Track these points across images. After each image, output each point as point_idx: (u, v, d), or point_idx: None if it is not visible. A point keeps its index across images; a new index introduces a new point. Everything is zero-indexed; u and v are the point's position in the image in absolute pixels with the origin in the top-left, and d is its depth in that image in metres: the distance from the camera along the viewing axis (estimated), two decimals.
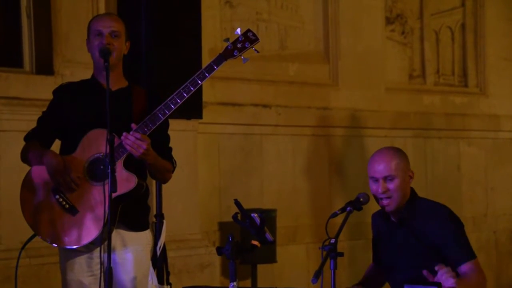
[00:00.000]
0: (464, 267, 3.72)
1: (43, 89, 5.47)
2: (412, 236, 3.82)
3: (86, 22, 3.96)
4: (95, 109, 3.76)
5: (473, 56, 8.84)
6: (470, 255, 3.76)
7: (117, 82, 3.86)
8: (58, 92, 3.95)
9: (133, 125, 3.69)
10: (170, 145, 3.97)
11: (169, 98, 3.71)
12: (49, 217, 3.74)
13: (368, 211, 4.02)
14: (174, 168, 3.94)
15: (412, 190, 3.89)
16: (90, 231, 3.69)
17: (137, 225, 3.88)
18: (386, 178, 3.80)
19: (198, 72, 3.75)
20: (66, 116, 3.84)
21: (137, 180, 3.69)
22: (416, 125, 8.22)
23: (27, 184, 3.81)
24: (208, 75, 3.74)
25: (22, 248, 3.85)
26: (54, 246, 3.81)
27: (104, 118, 3.53)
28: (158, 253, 4.81)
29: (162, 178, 3.97)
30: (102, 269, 3.62)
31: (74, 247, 3.74)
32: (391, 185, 3.80)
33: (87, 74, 4.00)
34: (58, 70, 5.82)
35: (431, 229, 3.78)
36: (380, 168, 3.80)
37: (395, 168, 3.80)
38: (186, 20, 5.15)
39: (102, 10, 5.85)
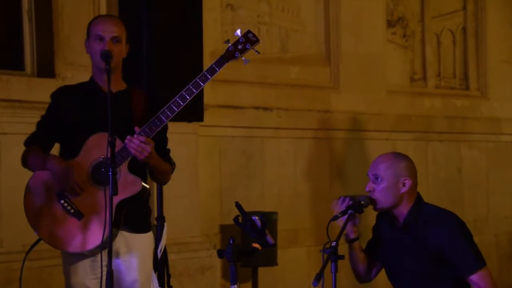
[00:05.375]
0: (475, 277, 3.72)
1: (44, 91, 5.44)
2: (415, 241, 3.82)
3: (87, 24, 3.96)
4: (95, 111, 3.76)
5: (474, 59, 8.83)
6: (479, 264, 3.75)
7: (116, 84, 3.86)
8: (57, 95, 3.95)
9: (137, 128, 3.69)
10: (170, 147, 3.98)
11: (171, 101, 3.71)
12: (54, 222, 3.73)
13: (369, 214, 4.02)
14: (173, 169, 3.96)
15: (419, 196, 3.89)
16: (96, 235, 3.68)
17: (140, 227, 3.88)
18: (375, 178, 3.83)
19: (200, 75, 3.76)
20: (65, 120, 3.84)
21: (142, 183, 3.71)
22: (417, 128, 8.21)
23: (31, 190, 3.80)
24: (210, 77, 3.75)
25: (28, 252, 3.84)
26: (59, 250, 3.81)
27: (104, 120, 3.53)
28: (159, 256, 4.81)
29: (163, 180, 3.99)
30: (102, 273, 3.62)
31: (80, 251, 3.73)
32: (377, 186, 3.83)
33: (88, 77, 4.00)
34: (60, 73, 5.82)
35: (436, 236, 3.76)
36: (373, 166, 3.86)
37: (383, 170, 3.82)
38: (188, 23, 5.15)
39: (103, 13, 5.84)
